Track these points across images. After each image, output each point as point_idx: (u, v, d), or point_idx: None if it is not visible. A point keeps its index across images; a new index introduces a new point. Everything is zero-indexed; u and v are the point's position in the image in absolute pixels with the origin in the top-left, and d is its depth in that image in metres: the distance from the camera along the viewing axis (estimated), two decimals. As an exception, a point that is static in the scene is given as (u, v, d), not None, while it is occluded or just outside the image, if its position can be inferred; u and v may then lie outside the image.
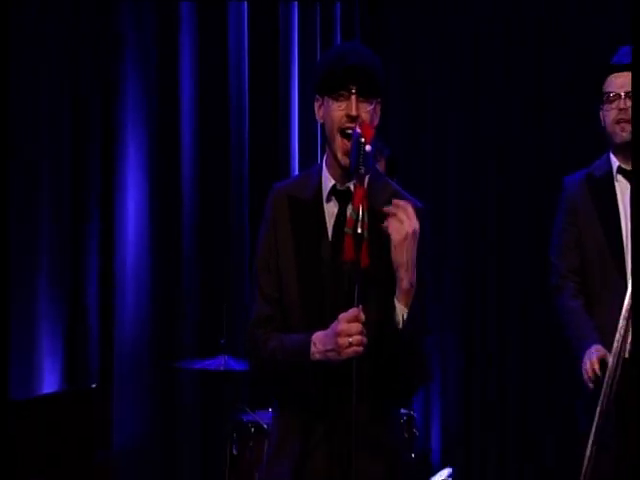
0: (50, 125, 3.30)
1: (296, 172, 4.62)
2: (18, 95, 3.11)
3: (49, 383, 3.19)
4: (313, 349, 2.04)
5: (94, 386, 3.08)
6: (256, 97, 4.39)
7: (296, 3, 4.77)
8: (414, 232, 2.01)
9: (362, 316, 1.97)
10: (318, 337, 2.04)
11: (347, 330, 1.97)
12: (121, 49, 3.62)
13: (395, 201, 2.04)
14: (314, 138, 4.86)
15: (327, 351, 2.01)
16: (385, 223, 2.03)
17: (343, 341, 1.97)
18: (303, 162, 4.70)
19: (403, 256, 2.01)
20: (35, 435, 2.73)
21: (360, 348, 1.97)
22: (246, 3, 4.32)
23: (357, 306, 1.98)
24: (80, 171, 3.44)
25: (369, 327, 2.00)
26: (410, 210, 2.02)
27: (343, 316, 1.98)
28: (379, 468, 2.17)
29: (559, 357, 4.66)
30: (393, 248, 2.01)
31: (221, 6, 4.19)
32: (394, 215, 2.03)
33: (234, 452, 3.48)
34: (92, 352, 3.43)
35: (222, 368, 3.46)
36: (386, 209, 2.03)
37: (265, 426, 3.37)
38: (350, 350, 1.97)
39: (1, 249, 2.58)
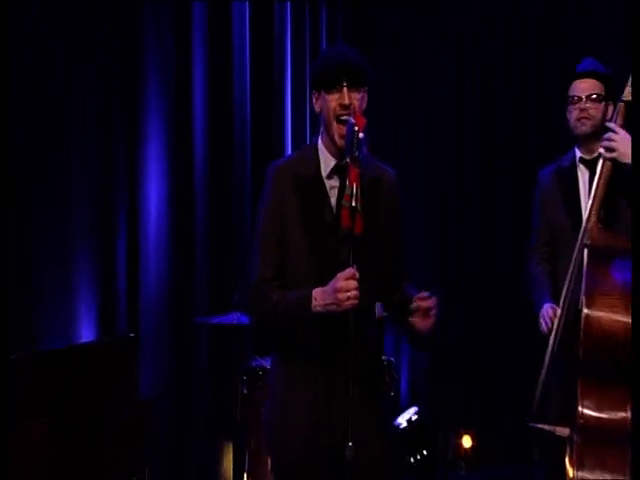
0: (82, 124, 3.48)
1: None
2: (47, 96, 3.28)
3: (85, 335, 3.44)
4: (314, 303, 2.24)
5: (132, 335, 3.23)
6: (256, 94, 4.54)
7: (289, 3, 4.92)
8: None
9: (357, 274, 2.18)
10: (318, 292, 2.25)
11: (345, 286, 2.17)
12: (143, 52, 3.81)
13: (420, 298, 2.33)
14: (303, 130, 5.04)
15: (327, 305, 2.22)
16: (417, 317, 2.35)
17: (342, 296, 2.17)
18: (295, 144, 4.91)
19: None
20: (76, 381, 2.79)
21: (356, 301, 2.18)
22: (247, 3, 4.52)
23: (352, 266, 2.18)
24: (110, 161, 3.65)
25: (363, 283, 2.21)
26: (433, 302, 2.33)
27: (341, 275, 2.19)
28: (374, 414, 2.40)
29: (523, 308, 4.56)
30: (421, 329, 2.38)
31: (225, 6, 4.38)
32: (423, 308, 2.33)
33: (244, 392, 3.74)
34: (121, 310, 3.66)
35: (235, 322, 3.71)
36: (413, 305, 2.33)
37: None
38: (348, 303, 2.17)
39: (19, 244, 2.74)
